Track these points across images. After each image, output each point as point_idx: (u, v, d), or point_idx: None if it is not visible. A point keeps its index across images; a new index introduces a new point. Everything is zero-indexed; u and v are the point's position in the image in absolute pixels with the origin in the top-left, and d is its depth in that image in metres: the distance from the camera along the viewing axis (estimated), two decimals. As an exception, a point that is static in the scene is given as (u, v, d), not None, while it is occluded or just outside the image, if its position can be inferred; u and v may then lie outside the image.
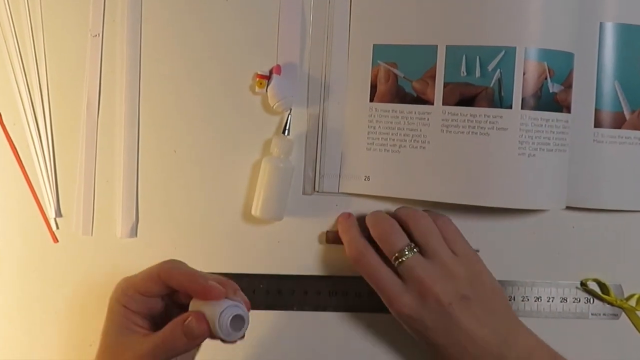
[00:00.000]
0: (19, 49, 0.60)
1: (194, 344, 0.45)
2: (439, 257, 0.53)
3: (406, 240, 0.54)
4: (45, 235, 0.61)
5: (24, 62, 0.60)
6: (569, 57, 0.56)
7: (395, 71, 0.59)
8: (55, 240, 0.61)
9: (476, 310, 0.51)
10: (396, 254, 0.53)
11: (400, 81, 0.59)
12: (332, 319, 0.61)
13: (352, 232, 0.56)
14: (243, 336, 0.45)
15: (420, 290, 0.51)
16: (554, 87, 0.56)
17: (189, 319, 0.44)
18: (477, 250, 0.57)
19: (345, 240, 0.57)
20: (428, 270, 0.52)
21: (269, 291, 0.60)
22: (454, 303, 0.51)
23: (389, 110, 0.59)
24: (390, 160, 0.59)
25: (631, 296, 0.60)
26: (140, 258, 0.60)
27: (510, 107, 0.55)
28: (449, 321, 0.50)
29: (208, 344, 0.47)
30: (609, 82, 0.58)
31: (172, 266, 0.47)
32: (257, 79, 0.59)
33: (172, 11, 0.61)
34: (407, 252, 0.53)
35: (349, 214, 0.59)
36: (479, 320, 0.51)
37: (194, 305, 0.46)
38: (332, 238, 0.59)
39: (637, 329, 0.60)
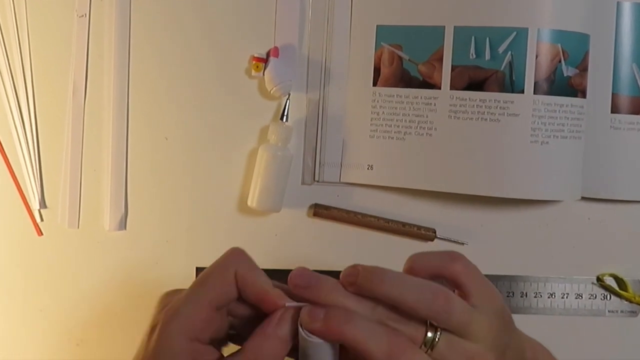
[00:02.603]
0: (0, 30, 0.60)
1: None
2: (472, 330, 0.40)
3: (422, 329, 0.40)
4: (28, 228, 0.60)
5: (6, 44, 0.60)
6: (584, 38, 0.56)
7: (400, 53, 0.58)
8: (40, 233, 0.60)
9: (513, 354, 0.43)
10: (423, 341, 0.40)
11: (405, 64, 0.58)
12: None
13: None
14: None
15: None
16: (568, 71, 0.56)
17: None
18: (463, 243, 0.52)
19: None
20: (472, 352, 0.40)
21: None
22: None
23: (393, 95, 0.58)
24: (395, 148, 0.58)
25: (650, 292, 0.60)
26: (130, 252, 0.60)
27: (522, 92, 0.55)
28: None
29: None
30: (626, 65, 0.58)
31: (248, 274, 0.41)
32: (254, 62, 0.59)
33: (163, -10, 0.60)
34: (432, 336, 0.40)
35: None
36: None
37: None
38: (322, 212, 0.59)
39: (656, 327, 0.60)
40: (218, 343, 0.41)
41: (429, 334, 0.39)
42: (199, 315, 0.39)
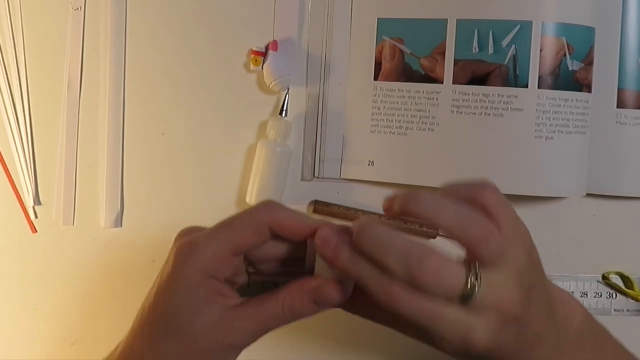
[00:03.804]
0: (-6, 23, 0.60)
1: (319, 311, 0.40)
2: (505, 262, 0.39)
3: (463, 268, 0.38)
4: (23, 225, 0.60)
5: (-1, 38, 0.60)
6: (589, 32, 0.56)
7: (402, 47, 0.58)
8: (34, 230, 0.60)
9: (540, 297, 0.42)
10: (462, 292, 0.38)
11: (407, 58, 0.58)
12: (332, 315, 0.60)
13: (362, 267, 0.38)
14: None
15: (497, 316, 0.39)
16: (573, 65, 0.56)
17: (325, 285, 0.39)
18: None
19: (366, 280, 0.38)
20: (501, 287, 0.39)
21: (265, 285, 0.59)
22: (526, 306, 0.40)
23: (395, 90, 0.58)
24: (396, 144, 0.58)
25: (657, 291, 0.60)
26: (126, 250, 0.60)
27: (527, 87, 0.55)
28: (524, 329, 0.40)
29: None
30: (632, 60, 0.58)
31: (279, 214, 0.40)
32: (253, 55, 0.59)
33: (160, -18, 0.60)
34: (474, 281, 0.38)
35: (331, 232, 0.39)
36: (543, 307, 0.43)
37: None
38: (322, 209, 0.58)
39: (663, 326, 0.59)
40: (235, 284, 0.42)
41: (472, 279, 0.37)
42: (217, 254, 0.39)
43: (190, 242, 0.40)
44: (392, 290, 0.37)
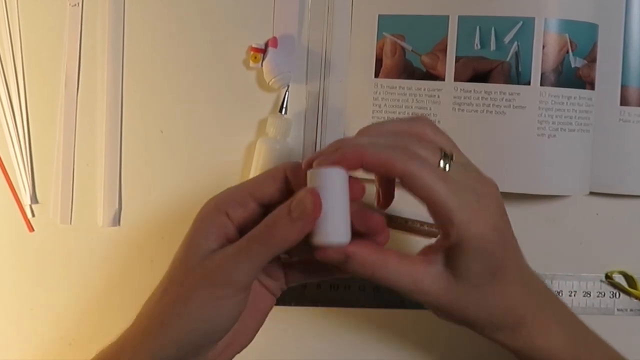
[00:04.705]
0: (-10, 19, 0.60)
1: (300, 232, 0.39)
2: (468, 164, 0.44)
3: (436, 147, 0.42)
4: (19, 224, 0.60)
5: (-4, 34, 0.60)
6: (592, 28, 0.56)
7: (403, 44, 0.58)
8: (31, 229, 0.60)
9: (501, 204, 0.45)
10: (441, 157, 0.42)
11: (408, 55, 0.58)
12: (332, 315, 0.60)
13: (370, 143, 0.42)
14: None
15: (471, 192, 0.42)
16: (576, 62, 0.56)
17: (301, 194, 0.39)
18: None
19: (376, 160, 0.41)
20: (465, 171, 0.43)
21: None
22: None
23: (395, 87, 0.58)
24: (397, 142, 0.58)
25: (660, 290, 0.60)
26: (124, 248, 0.60)
27: (529, 84, 0.55)
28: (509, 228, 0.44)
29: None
30: (636, 57, 0.58)
31: (295, 163, 0.43)
32: (252, 52, 0.59)
33: (158, -22, 0.60)
34: (446, 157, 0.42)
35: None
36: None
37: None
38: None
39: (666, 326, 0.59)
40: None
41: (444, 153, 0.42)
42: (233, 192, 0.44)
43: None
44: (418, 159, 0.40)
